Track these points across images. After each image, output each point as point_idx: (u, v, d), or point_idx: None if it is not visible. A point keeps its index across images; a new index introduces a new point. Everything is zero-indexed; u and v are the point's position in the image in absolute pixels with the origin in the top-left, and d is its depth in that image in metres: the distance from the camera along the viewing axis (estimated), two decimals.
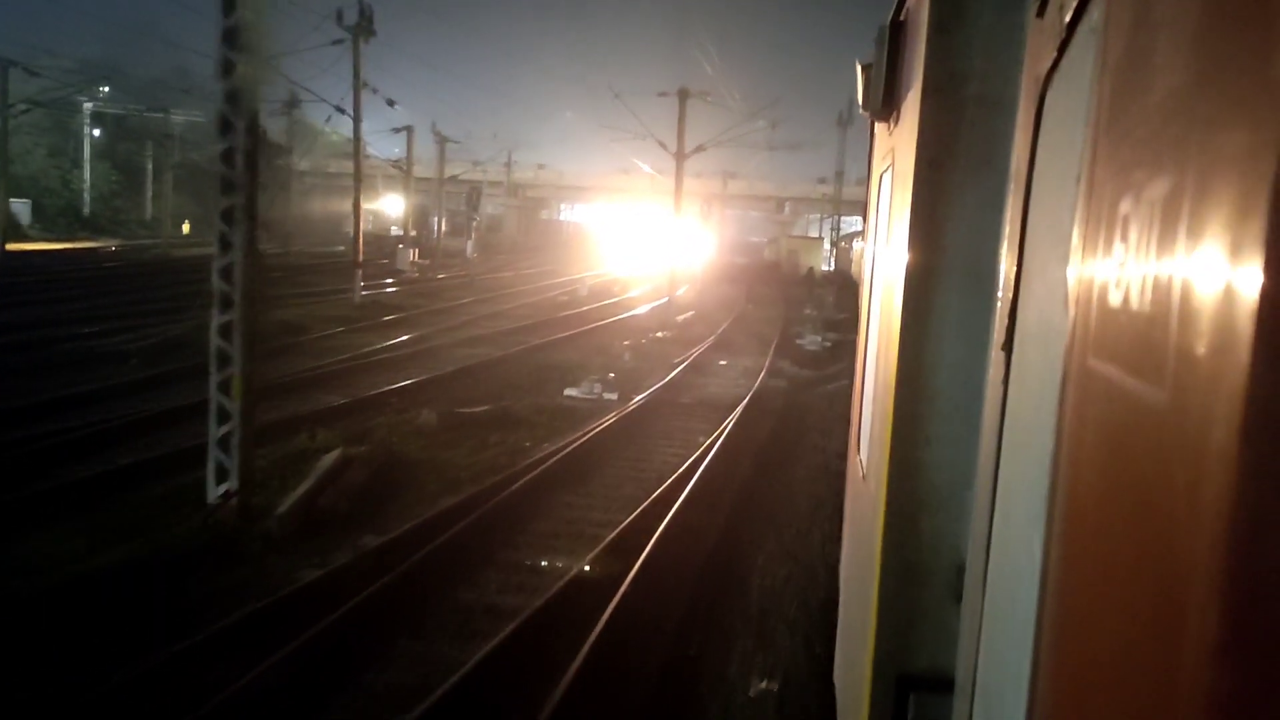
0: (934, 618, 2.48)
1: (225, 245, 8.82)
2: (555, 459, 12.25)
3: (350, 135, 78.06)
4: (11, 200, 57.90)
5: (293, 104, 61.61)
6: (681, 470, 12.19)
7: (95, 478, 10.09)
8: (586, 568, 8.59)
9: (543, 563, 9.01)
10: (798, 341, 26.96)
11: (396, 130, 55.82)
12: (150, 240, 59.02)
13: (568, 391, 17.51)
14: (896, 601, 2.55)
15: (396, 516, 9.82)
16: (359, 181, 30.09)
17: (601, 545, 9.28)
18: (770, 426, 15.69)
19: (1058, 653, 1.08)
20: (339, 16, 28.46)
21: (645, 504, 10.65)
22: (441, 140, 62.51)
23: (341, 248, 52.60)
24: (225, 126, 8.76)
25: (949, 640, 2.34)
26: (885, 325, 2.94)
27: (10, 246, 44.87)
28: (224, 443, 8.94)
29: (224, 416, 8.93)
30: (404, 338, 23.01)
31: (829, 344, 26.39)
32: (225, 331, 8.88)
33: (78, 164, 70.66)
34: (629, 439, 14.31)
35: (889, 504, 2.55)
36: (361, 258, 49.61)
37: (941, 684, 2.24)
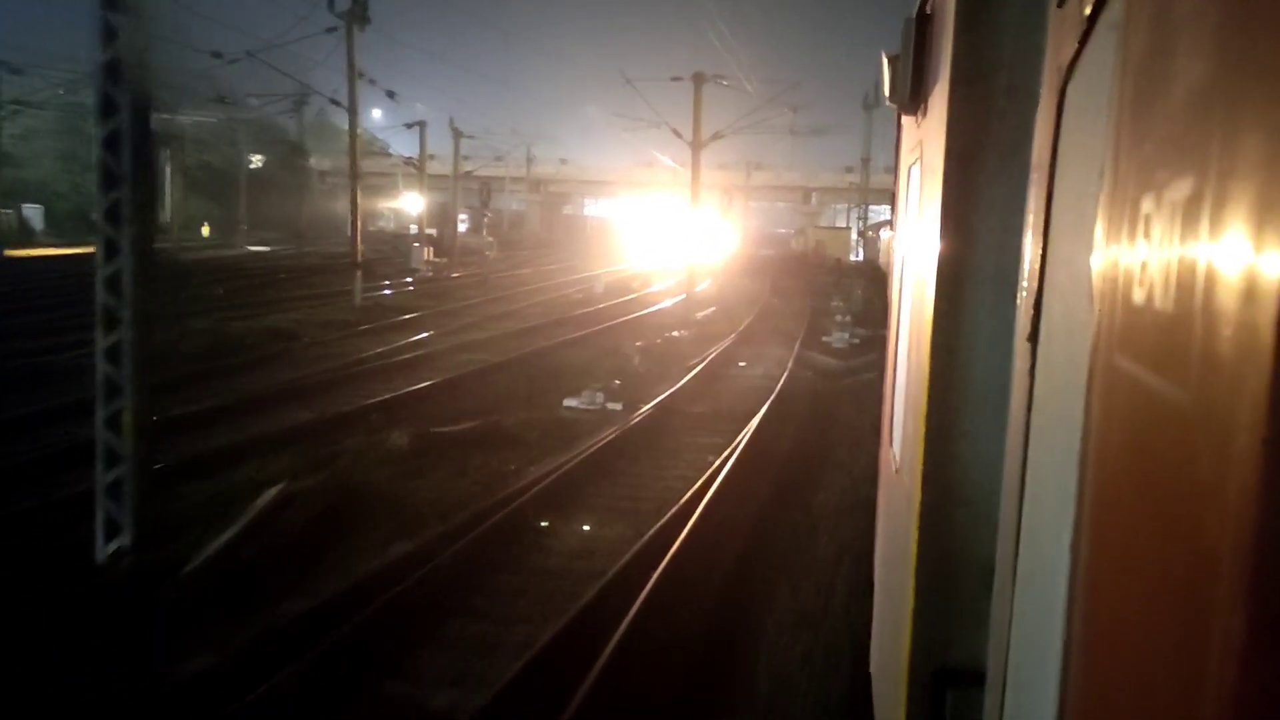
0: (970, 611, 2.41)
1: (110, 250, 7.24)
2: (539, 488, 10.63)
3: (373, 133, 76.27)
4: (23, 205, 57.25)
5: (302, 101, 60.25)
6: (685, 499, 10.52)
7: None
8: (552, 642, 6.95)
9: (498, 636, 7.36)
10: (824, 339, 25.20)
11: (409, 126, 54.53)
12: (163, 244, 57.90)
13: (567, 402, 15.87)
14: (932, 595, 2.53)
15: (332, 571, 8.21)
16: (355, 178, 28.58)
17: (577, 607, 7.63)
18: (791, 439, 13.99)
19: (1087, 647, 1.09)
20: (330, 2, 26.94)
21: (636, 547, 9.00)
22: (457, 135, 60.99)
23: (361, 247, 51.12)
24: (107, 106, 7.17)
25: (986, 634, 2.14)
26: (917, 318, 2.91)
27: (17, 252, 43.87)
28: (114, 490, 7.37)
29: (114, 459, 7.35)
30: (400, 343, 21.46)
31: (857, 340, 24.62)
32: (113, 355, 7.30)
33: (91, 168, 69.79)
34: (629, 459, 12.66)
35: (923, 497, 2.54)
36: (377, 257, 48.37)
37: (979, 678, 2.05)
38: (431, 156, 67.57)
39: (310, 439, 12.46)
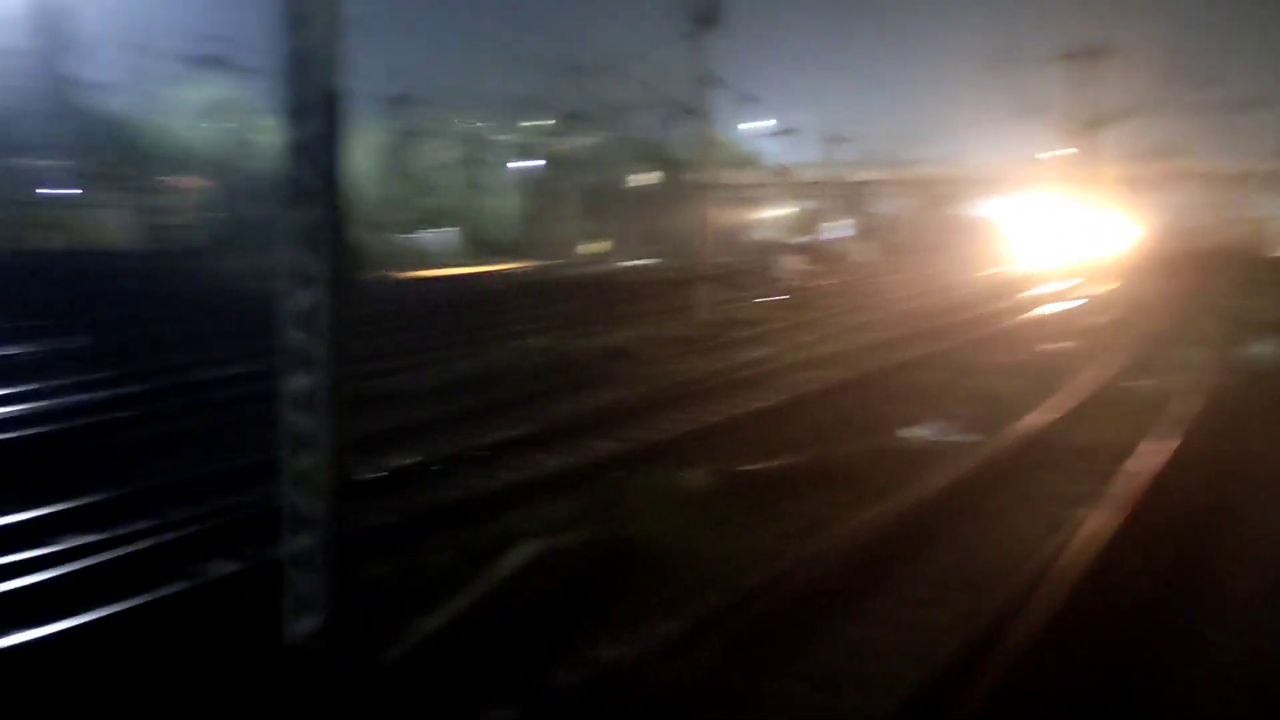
0: None
1: (302, 279, 6.21)
2: (851, 546, 8.60)
3: (750, 143, 76.61)
4: (432, 230, 62.96)
5: (686, 114, 60.99)
6: (1030, 570, 8.03)
7: (186, 594, 7.93)
8: None
9: None
10: (1249, 350, 20.54)
11: (778, 134, 53.73)
12: (559, 260, 60.88)
13: (910, 432, 13.52)
14: None
15: (569, 664, 6.71)
16: (708, 188, 27.67)
17: None
18: (1187, 482, 10.79)
19: None
20: (685, 8, 26.18)
21: (953, 645, 6.74)
22: (827, 141, 59.30)
23: (729, 259, 50.77)
24: (295, 108, 6.16)
25: None
26: None
27: (422, 273, 47.59)
28: (305, 560, 6.33)
29: (304, 523, 6.32)
30: (740, 359, 19.99)
31: None
32: (304, 403, 6.27)
33: (502, 193, 75.89)
34: (970, 507, 10.20)
35: None
36: (746, 268, 47.68)
37: None
38: (812, 164, 66.44)
39: (604, 475, 11.16)
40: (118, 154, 47.75)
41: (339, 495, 6.31)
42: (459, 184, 70.04)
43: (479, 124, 70.93)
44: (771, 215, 73.28)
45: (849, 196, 66.25)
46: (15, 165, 43.59)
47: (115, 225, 49.24)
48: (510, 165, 74.31)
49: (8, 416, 14.07)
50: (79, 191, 48.10)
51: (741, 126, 72.46)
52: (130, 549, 8.87)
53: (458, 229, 64.72)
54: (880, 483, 10.97)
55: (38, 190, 46.15)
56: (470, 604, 7.19)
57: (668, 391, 16.30)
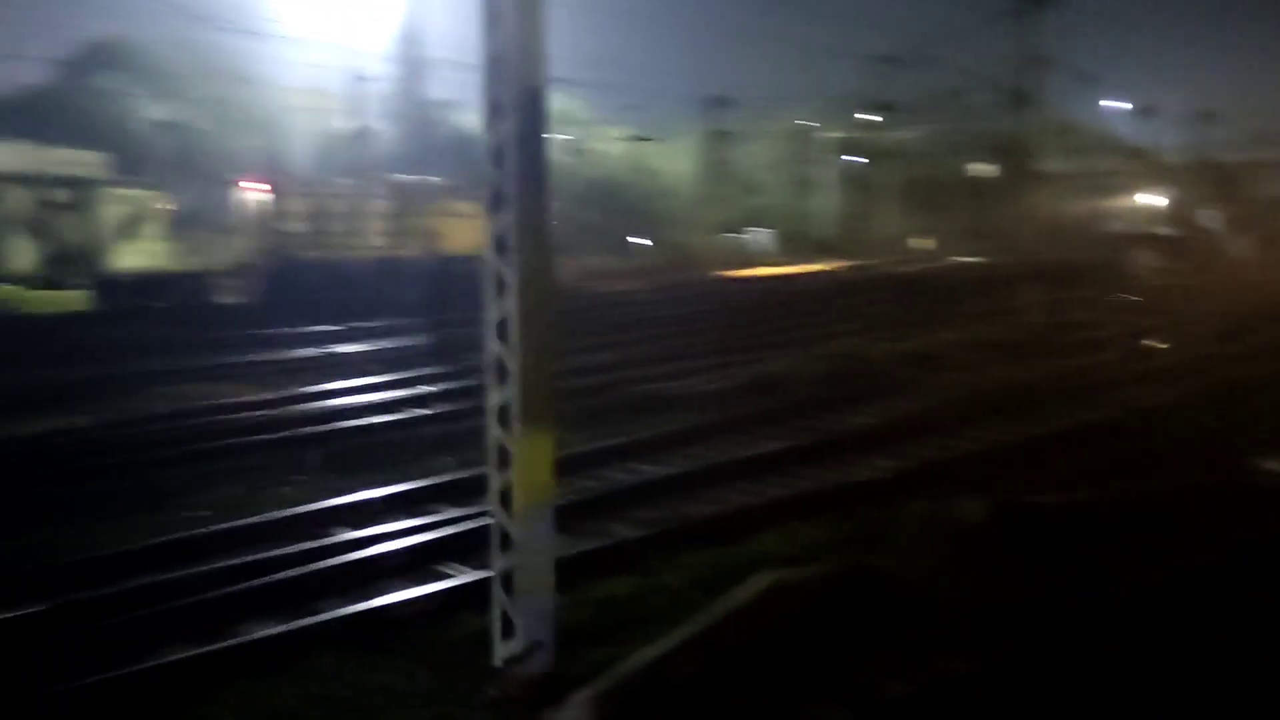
0: None
1: (498, 288, 5.92)
2: (1152, 609, 7.17)
3: (1106, 127, 70.53)
4: (754, 229, 63.18)
5: (1021, 98, 57.10)
6: None
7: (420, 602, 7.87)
8: None
9: None
10: None
11: (1135, 114, 48.84)
12: (882, 258, 58.95)
13: (1266, 463, 11.35)
14: None
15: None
16: (1043, 177, 25.40)
17: None
18: None
19: None
20: None
21: None
22: (1197, 119, 53.11)
23: (1072, 254, 46.68)
24: (495, 108, 5.87)
25: None
26: None
27: (742, 272, 47.70)
28: (511, 581, 6.03)
29: (510, 543, 6.03)
30: (1061, 369, 17.98)
31: None
32: (503, 418, 5.97)
33: (825, 190, 74.70)
34: None
35: None
36: (1097, 264, 43.73)
37: None
38: (1177, 147, 59.90)
39: (872, 498, 10.19)
40: (467, 166, 51.56)
41: (546, 514, 5.98)
42: (782, 182, 69.72)
43: (801, 121, 70.44)
44: (1127, 205, 66.80)
45: (1221, 182, 58.91)
46: (384, 180, 48.08)
47: (466, 233, 53.43)
48: (834, 161, 72.96)
49: (348, 407, 15.36)
50: (438, 202, 52.33)
51: (1095, 107, 66.77)
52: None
53: (778, 228, 64.55)
54: (1213, 526, 9.20)
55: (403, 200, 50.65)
56: (689, 637, 6.59)
57: (968, 403, 14.84)
